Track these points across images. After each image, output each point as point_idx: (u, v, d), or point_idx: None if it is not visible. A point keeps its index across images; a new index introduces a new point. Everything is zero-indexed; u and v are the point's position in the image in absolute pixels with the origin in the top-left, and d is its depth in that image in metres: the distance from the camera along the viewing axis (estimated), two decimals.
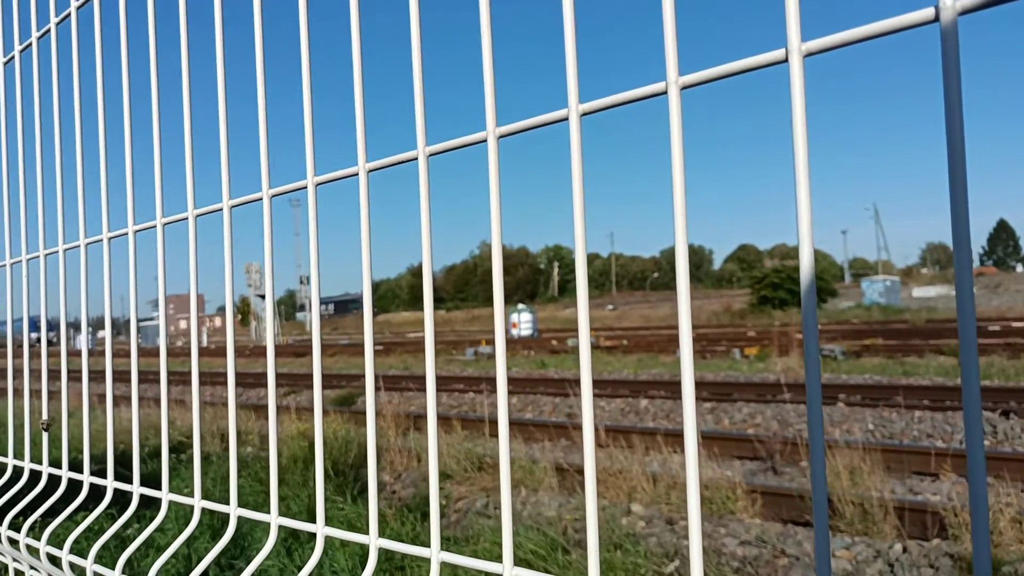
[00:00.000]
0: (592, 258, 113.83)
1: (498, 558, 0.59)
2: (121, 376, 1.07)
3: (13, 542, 1.11)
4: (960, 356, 0.41)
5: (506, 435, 0.60)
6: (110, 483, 1.00)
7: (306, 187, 0.72)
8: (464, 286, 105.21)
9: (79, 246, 1.04)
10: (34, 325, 1.30)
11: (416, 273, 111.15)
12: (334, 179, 0.71)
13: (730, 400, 11.45)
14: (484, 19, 0.57)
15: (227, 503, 0.84)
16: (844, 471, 5.99)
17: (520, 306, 43.42)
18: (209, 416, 9.95)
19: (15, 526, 1.11)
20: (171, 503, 0.92)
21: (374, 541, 0.68)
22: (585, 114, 0.53)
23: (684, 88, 0.47)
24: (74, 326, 1.18)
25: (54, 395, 1.19)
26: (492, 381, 15.51)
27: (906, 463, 6.98)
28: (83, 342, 1.10)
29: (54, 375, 1.17)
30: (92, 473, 1.07)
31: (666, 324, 46.17)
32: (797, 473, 7.17)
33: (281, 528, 0.80)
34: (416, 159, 0.63)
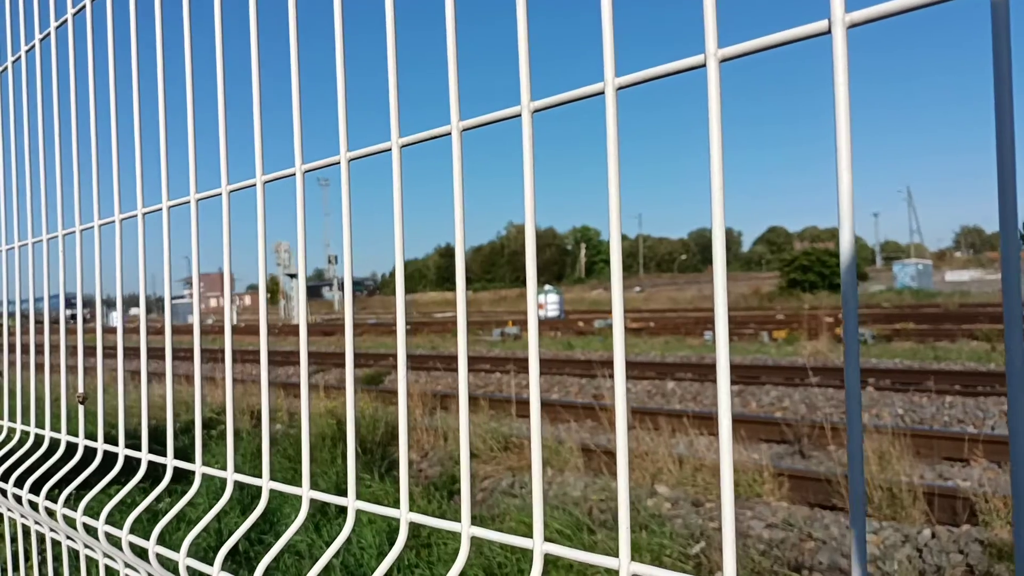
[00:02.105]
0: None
1: (526, 536, 0.59)
2: (153, 352, 1.09)
3: (51, 512, 1.13)
4: (1005, 340, 0.40)
5: (538, 409, 0.60)
6: (144, 455, 1.02)
7: (339, 162, 0.72)
8: (491, 267, 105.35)
9: (114, 221, 1.05)
10: (69, 302, 1.32)
11: (443, 253, 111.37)
12: (367, 154, 0.71)
13: (758, 383, 11.39)
14: None
15: (258, 478, 0.85)
16: (873, 456, 5.94)
17: (547, 287, 43.36)
18: (239, 393, 10.08)
19: (52, 497, 1.13)
20: (203, 477, 0.93)
21: (405, 515, 0.68)
22: (621, 88, 0.52)
23: (723, 60, 0.47)
24: (107, 303, 1.19)
25: (89, 371, 1.21)
26: (519, 361, 15.52)
27: (936, 448, 6.91)
28: (118, 318, 1.11)
29: (89, 351, 1.19)
30: (126, 446, 1.09)
31: (693, 307, 45.92)
32: (824, 457, 7.12)
33: (311, 503, 0.81)
34: (449, 134, 0.63)
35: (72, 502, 1.12)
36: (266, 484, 0.82)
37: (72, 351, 1.24)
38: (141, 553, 0.92)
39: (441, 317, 42.54)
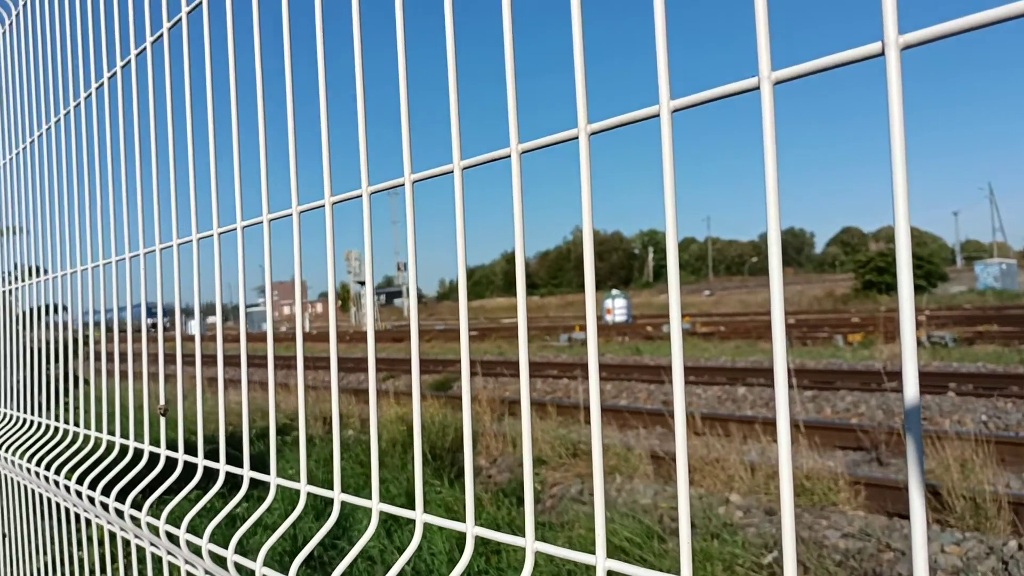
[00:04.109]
0: (688, 243, 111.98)
1: (593, 544, 0.60)
2: (230, 360, 1.14)
3: (135, 520, 1.18)
4: None
5: (598, 419, 0.61)
6: (222, 466, 1.06)
7: (403, 184, 0.75)
8: (558, 272, 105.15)
9: (191, 241, 1.10)
10: (150, 312, 1.37)
11: (510, 259, 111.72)
12: (429, 176, 0.73)
13: (832, 388, 11.11)
14: (575, 14, 0.58)
15: (331, 486, 0.88)
16: (954, 464, 5.73)
17: (614, 292, 43.10)
18: (311, 399, 10.28)
19: (136, 505, 1.18)
20: (278, 488, 0.96)
21: (471, 529, 0.70)
22: (676, 110, 0.53)
23: (777, 83, 0.47)
24: (186, 312, 1.24)
25: (170, 379, 1.26)
26: (587, 367, 15.44)
27: (1023, 456, 6.64)
28: (196, 328, 1.16)
29: (170, 359, 1.24)
30: (205, 455, 1.13)
31: (765, 310, 45.05)
32: (903, 464, 6.90)
33: (380, 512, 0.83)
34: (509, 156, 0.64)
35: (155, 509, 1.17)
36: (337, 496, 0.85)
37: (153, 359, 1.30)
38: (220, 561, 0.96)
39: (508, 323, 42.61)
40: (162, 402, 1.15)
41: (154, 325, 1.36)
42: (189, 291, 1.16)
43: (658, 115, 0.54)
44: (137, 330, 1.40)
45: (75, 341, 1.64)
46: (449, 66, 0.69)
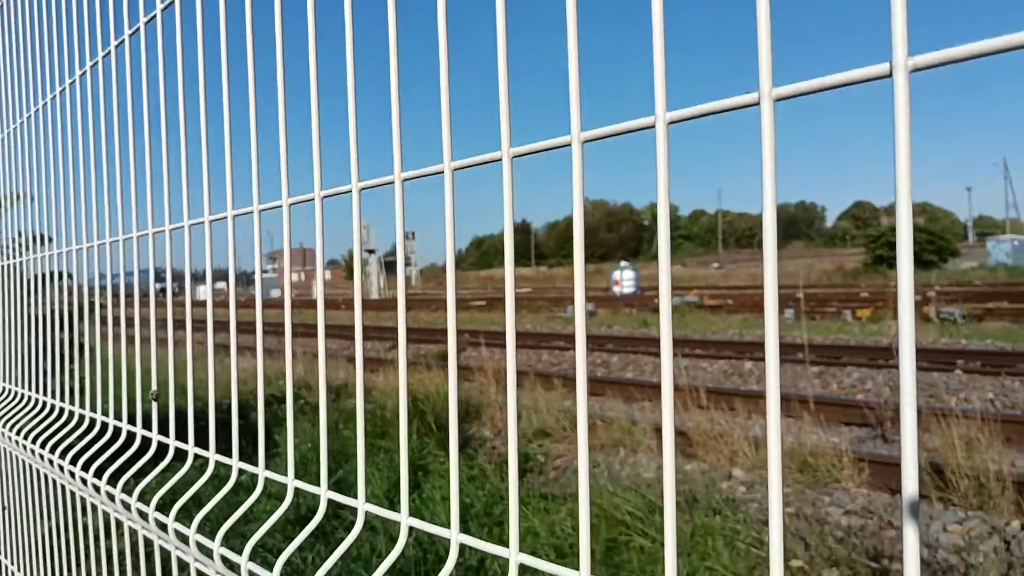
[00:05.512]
0: (698, 215, 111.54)
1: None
2: (244, 327, 1.12)
3: (127, 504, 1.18)
4: None
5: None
6: (212, 455, 1.05)
7: (392, 182, 0.73)
8: (566, 243, 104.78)
9: (203, 222, 1.08)
10: (159, 277, 1.35)
11: (520, 229, 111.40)
12: (420, 175, 0.71)
13: (839, 364, 11.09)
14: (571, 22, 0.55)
15: (317, 486, 0.87)
16: (959, 442, 5.71)
17: (623, 263, 43.06)
18: (309, 367, 10.29)
19: (128, 490, 1.18)
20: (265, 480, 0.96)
21: (455, 537, 0.69)
22: (672, 122, 0.50)
23: (778, 100, 0.44)
24: (196, 278, 1.22)
25: (177, 344, 1.25)
26: (594, 339, 15.47)
27: None
28: (208, 294, 1.14)
29: (179, 325, 1.21)
30: (198, 441, 1.13)
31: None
32: None
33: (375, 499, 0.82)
34: (500, 160, 0.62)
35: (147, 495, 1.17)
36: (324, 493, 0.84)
37: (162, 325, 1.28)
38: (207, 552, 0.95)
39: (520, 293, 42.44)
40: (154, 387, 1.15)
41: (163, 290, 1.34)
42: (200, 262, 1.13)
43: (653, 126, 0.51)
44: (145, 295, 1.37)
45: (81, 308, 1.61)
46: (442, 73, 0.67)
